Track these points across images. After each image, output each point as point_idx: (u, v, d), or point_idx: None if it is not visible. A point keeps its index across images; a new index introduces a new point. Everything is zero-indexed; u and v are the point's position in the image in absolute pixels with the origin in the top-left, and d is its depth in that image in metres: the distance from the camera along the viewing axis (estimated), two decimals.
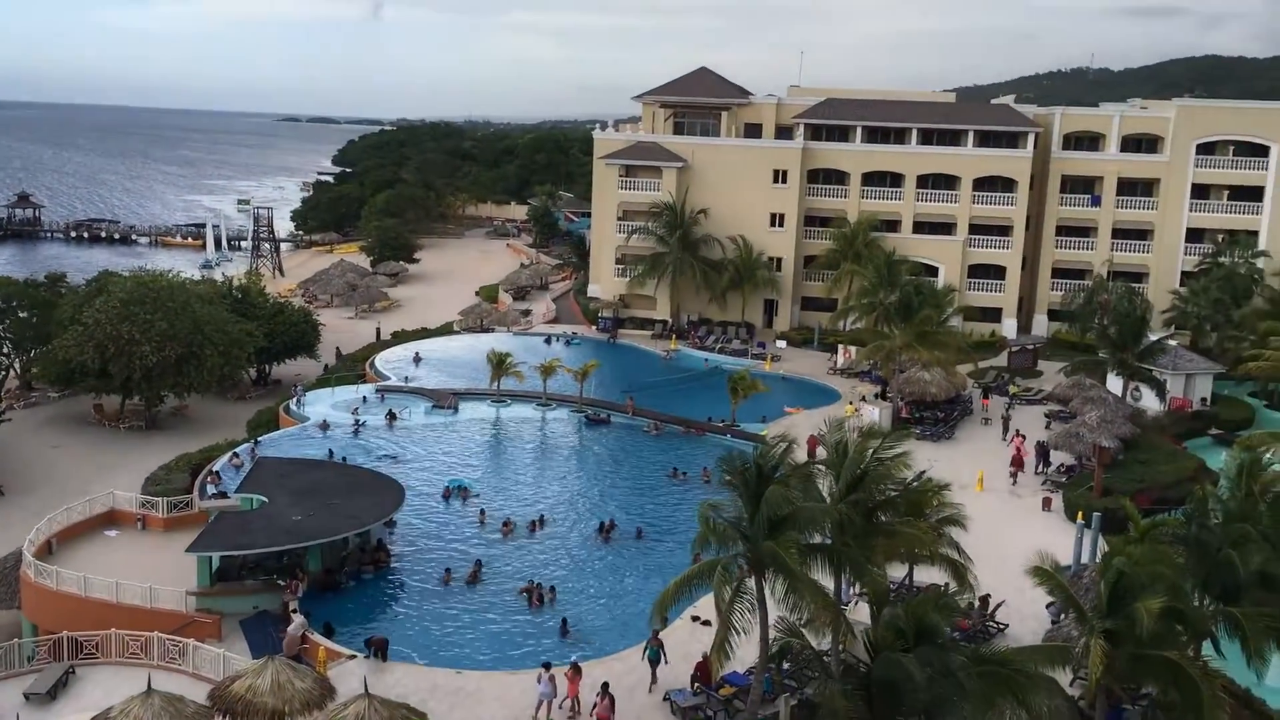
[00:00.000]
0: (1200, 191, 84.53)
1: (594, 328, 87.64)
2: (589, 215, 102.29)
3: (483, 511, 48.67)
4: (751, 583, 29.52)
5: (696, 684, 32.98)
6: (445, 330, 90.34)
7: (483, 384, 68.38)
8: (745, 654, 31.37)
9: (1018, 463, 53.47)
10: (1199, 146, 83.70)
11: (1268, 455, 40.15)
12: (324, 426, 60.01)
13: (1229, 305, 72.59)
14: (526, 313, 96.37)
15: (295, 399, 65.40)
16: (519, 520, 47.67)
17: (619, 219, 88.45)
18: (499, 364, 66.53)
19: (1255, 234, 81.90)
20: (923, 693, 20.27)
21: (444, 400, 66.39)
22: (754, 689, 30.97)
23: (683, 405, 66.57)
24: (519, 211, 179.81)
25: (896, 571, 37.02)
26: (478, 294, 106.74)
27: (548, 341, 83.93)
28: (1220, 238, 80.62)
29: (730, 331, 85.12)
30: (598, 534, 46.75)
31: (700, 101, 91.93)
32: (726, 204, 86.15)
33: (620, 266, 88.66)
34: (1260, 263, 77.89)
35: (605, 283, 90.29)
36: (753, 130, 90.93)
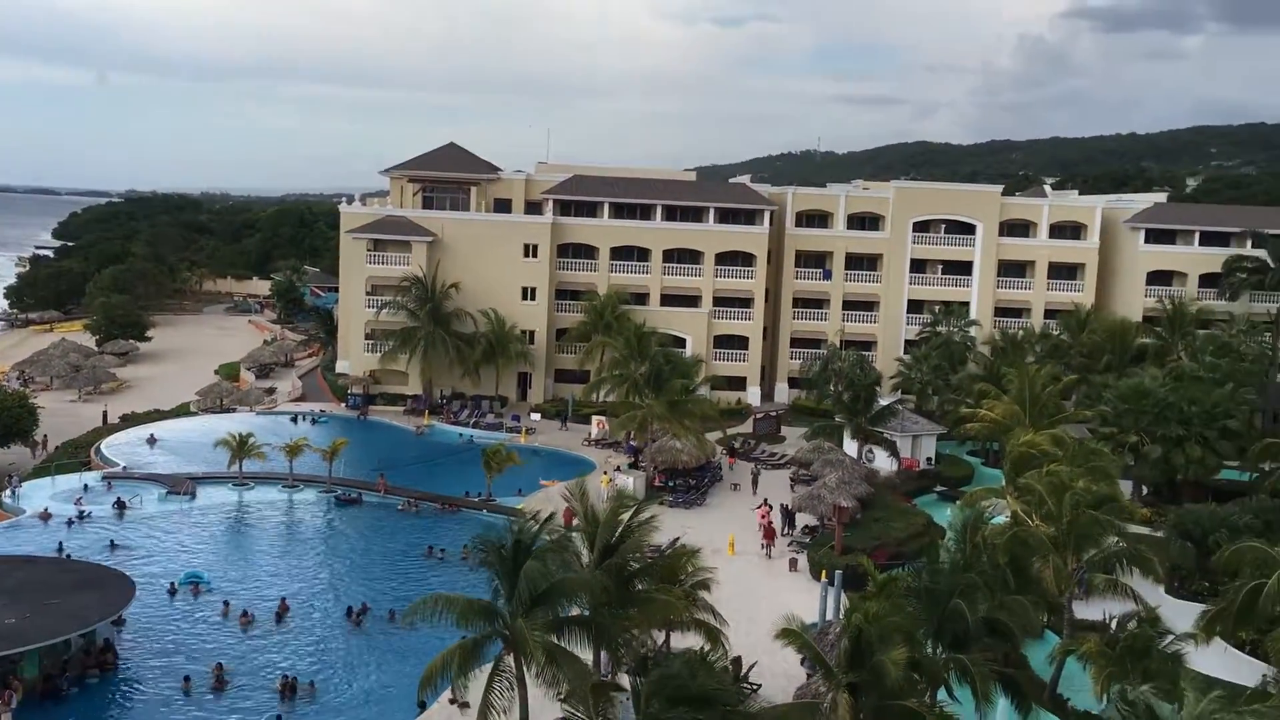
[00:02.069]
0: (918, 266, 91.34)
1: (343, 405, 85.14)
2: (336, 290, 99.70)
3: (226, 603, 45.89)
4: (511, 659, 29.17)
5: None
6: (181, 411, 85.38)
7: (223, 467, 64.89)
8: None
9: (769, 535, 54.30)
10: (915, 224, 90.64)
11: (987, 509, 43.38)
12: (45, 517, 55.28)
13: (947, 370, 78.42)
14: (270, 391, 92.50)
15: (10, 490, 59.99)
16: (259, 611, 45.14)
17: (368, 293, 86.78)
18: (240, 445, 63.39)
19: (966, 304, 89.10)
20: None
21: (179, 486, 62.53)
22: None
23: (438, 482, 65.42)
24: (261, 286, 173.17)
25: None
26: (217, 372, 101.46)
27: (294, 420, 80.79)
28: (937, 308, 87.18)
29: (484, 405, 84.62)
30: (347, 619, 44.96)
31: (449, 176, 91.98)
32: (478, 278, 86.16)
33: (370, 341, 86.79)
34: (972, 331, 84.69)
35: (355, 358, 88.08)
36: (502, 205, 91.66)
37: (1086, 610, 41.40)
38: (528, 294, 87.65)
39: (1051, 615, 41.69)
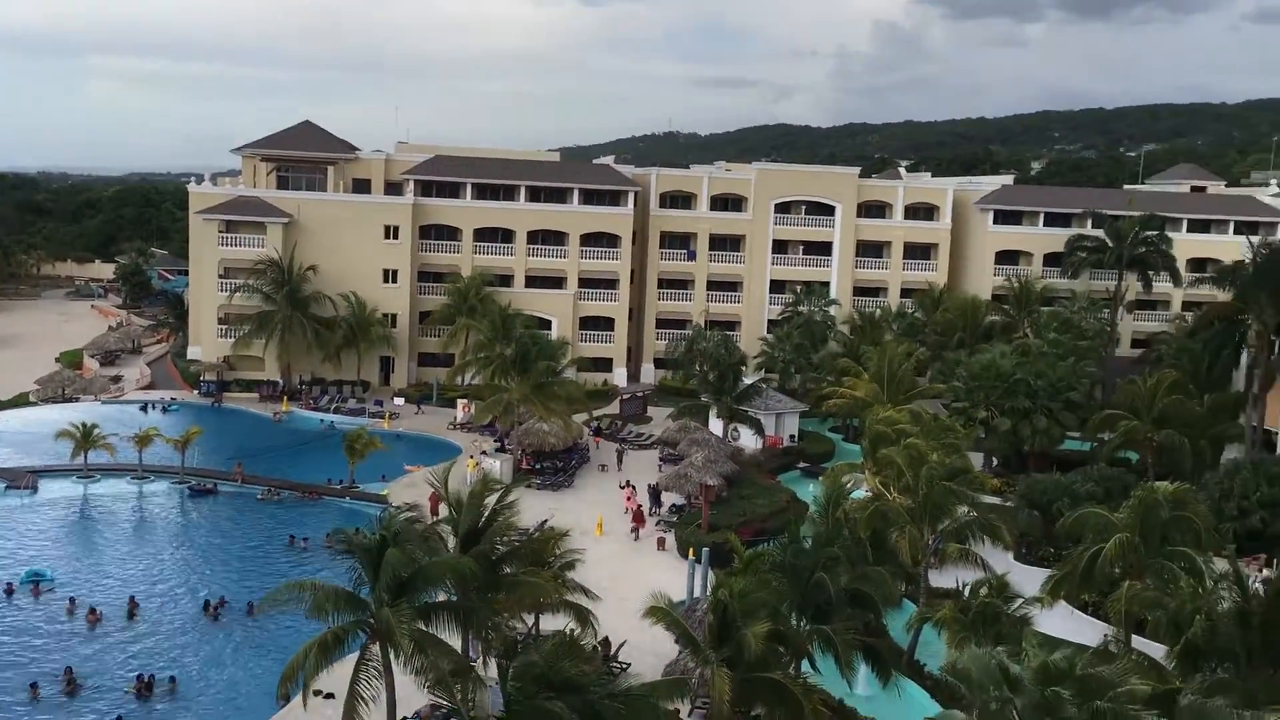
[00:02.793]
0: (780, 246, 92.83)
1: (196, 392, 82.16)
2: (186, 273, 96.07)
3: (72, 600, 43.86)
4: (377, 648, 28.65)
5: None
6: (20, 401, 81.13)
7: (66, 459, 61.88)
8: None
9: (638, 519, 54.20)
10: (777, 206, 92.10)
11: (848, 484, 44.47)
12: None
13: (809, 349, 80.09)
14: (117, 379, 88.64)
15: None
16: (108, 609, 43.27)
17: (220, 276, 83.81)
18: (85, 436, 60.57)
19: (827, 284, 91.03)
20: None
21: (19, 480, 59.44)
22: None
23: (299, 469, 63.78)
24: (105, 270, 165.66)
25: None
26: (58, 360, 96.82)
27: (143, 409, 77.55)
28: (799, 288, 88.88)
29: (346, 390, 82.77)
30: (204, 613, 43.51)
31: (305, 156, 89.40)
32: (337, 260, 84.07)
33: (224, 326, 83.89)
34: (832, 310, 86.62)
35: (207, 344, 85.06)
36: (361, 186, 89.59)
37: (941, 579, 42.91)
38: (389, 276, 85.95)
39: (909, 585, 43.09)
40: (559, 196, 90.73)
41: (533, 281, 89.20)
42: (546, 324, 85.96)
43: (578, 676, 21.70)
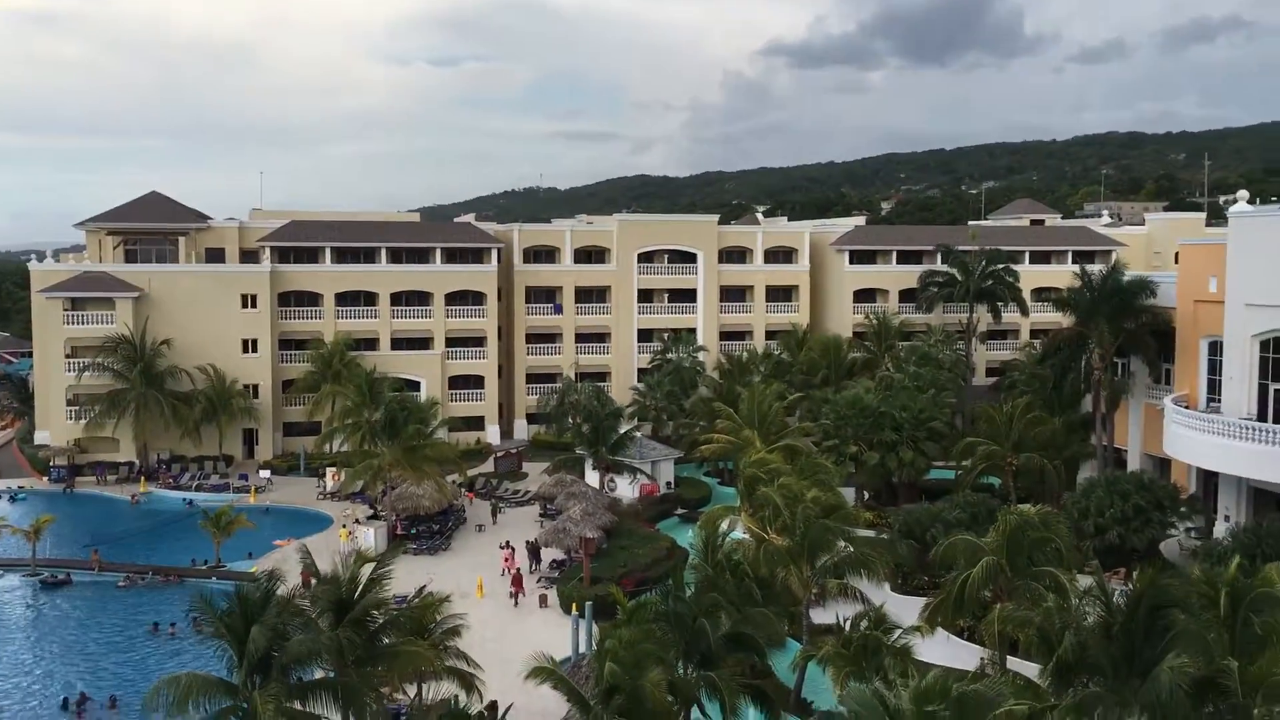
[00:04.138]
0: (645, 296, 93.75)
1: (45, 479, 78.18)
2: (30, 354, 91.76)
3: None
4: None
5: None
6: None
7: None
8: None
9: (518, 583, 52.90)
10: (640, 256, 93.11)
11: (724, 527, 44.79)
12: None
13: (680, 396, 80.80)
14: None
15: None
16: None
17: (68, 356, 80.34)
18: None
19: (693, 331, 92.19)
20: None
21: None
22: None
23: (161, 552, 61.12)
24: None
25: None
26: None
27: None
28: (666, 335, 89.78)
29: (208, 466, 79.92)
30: (64, 711, 41.13)
31: (153, 227, 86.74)
32: (193, 332, 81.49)
33: (73, 408, 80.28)
34: (700, 356, 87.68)
35: (56, 427, 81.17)
36: (215, 255, 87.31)
37: (823, 615, 43.42)
38: (249, 346, 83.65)
39: (792, 623, 43.45)
40: (421, 257, 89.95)
41: (398, 343, 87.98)
42: (415, 385, 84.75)
43: None
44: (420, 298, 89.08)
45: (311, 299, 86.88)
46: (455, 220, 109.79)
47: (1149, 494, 52.26)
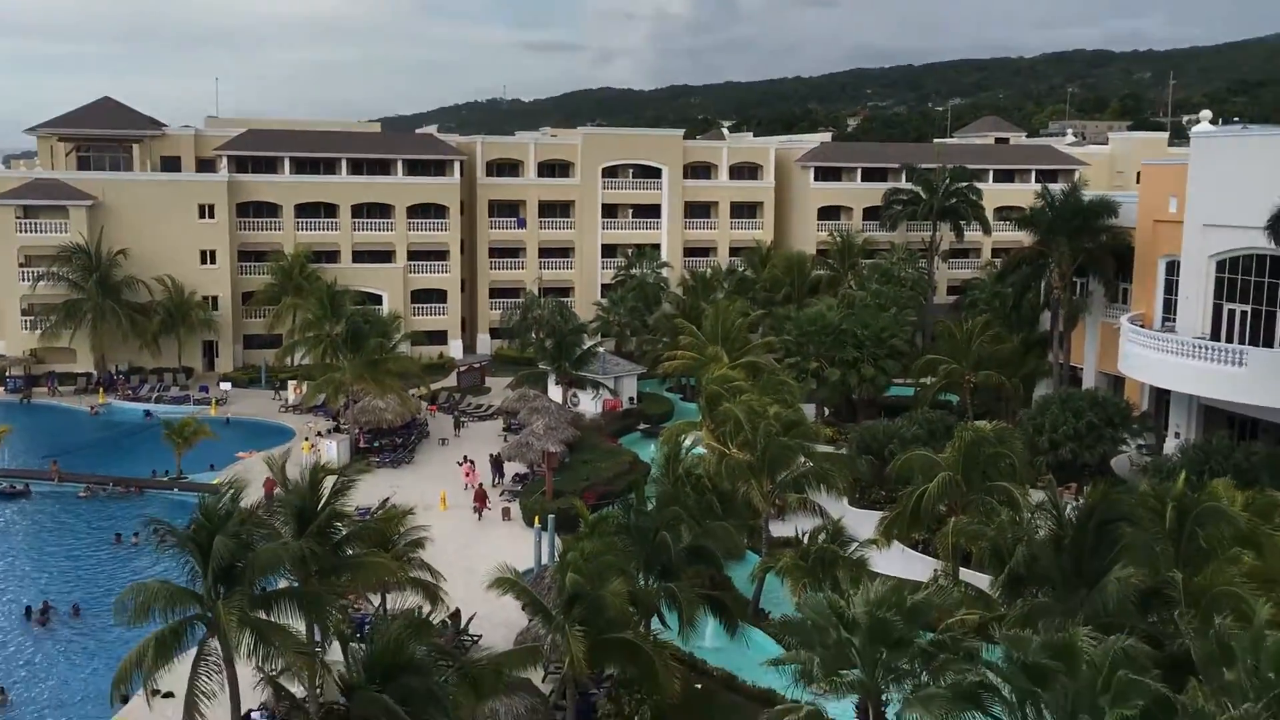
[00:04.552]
0: (609, 211, 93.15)
1: (2, 389, 77.33)
2: None
3: None
4: (216, 642, 27.76)
5: None
6: None
7: None
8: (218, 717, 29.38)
9: (480, 499, 53.05)
10: (604, 170, 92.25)
11: (686, 442, 45.27)
12: None
13: (643, 312, 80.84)
14: None
15: None
16: None
17: (21, 265, 78.92)
18: None
19: (657, 247, 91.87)
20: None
21: None
22: None
23: (122, 464, 60.84)
24: None
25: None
26: None
27: None
28: (630, 251, 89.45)
29: (168, 378, 79.29)
30: (27, 620, 41.30)
31: (106, 134, 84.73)
32: (149, 243, 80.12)
33: (28, 318, 79.10)
34: (664, 272, 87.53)
35: (12, 338, 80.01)
36: (171, 164, 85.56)
37: (782, 529, 44.23)
38: (207, 257, 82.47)
39: (751, 536, 44.23)
40: (382, 168, 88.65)
41: (360, 256, 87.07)
42: (376, 299, 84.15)
43: (424, 657, 21.52)
44: (381, 210, 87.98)
45: (270, 210, 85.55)
46: (417, 131, 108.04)
47: (1102, 411, 53.24)
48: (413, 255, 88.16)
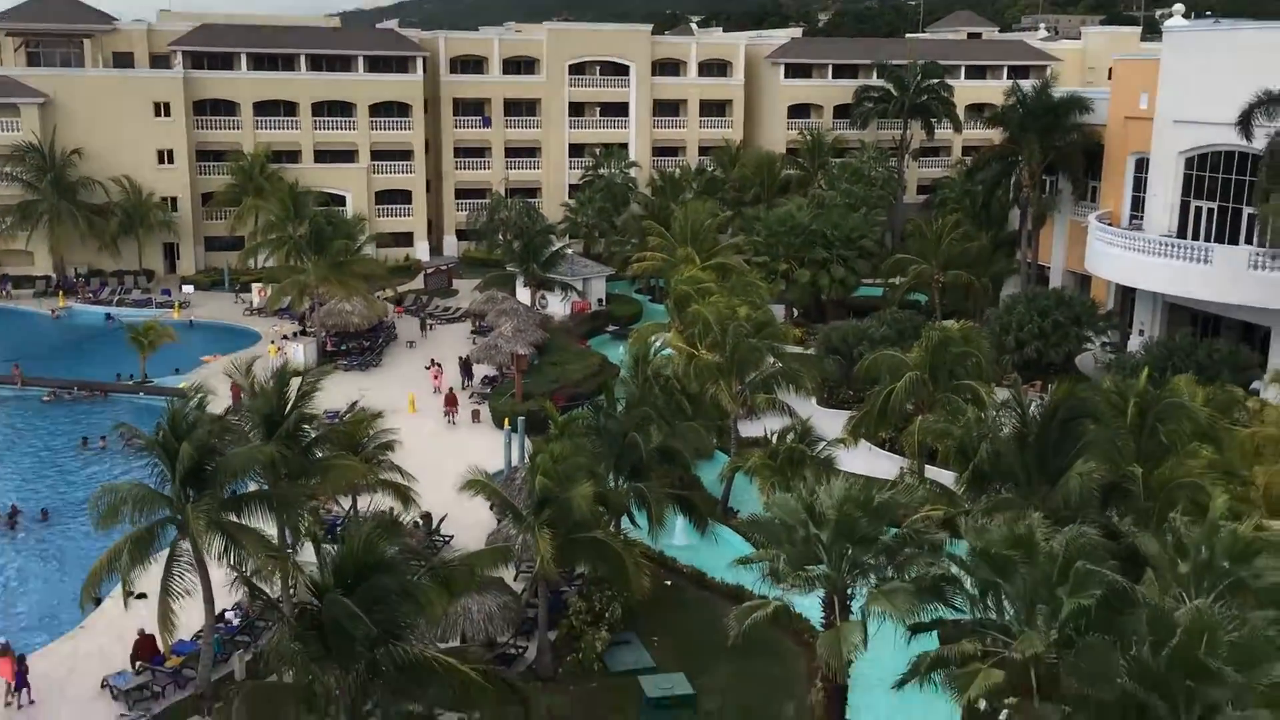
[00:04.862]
0: (576, 109, 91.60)
1: None
2: None
3: None
4: (187, 544, 27.86)
5: (138, 662, 30.52)
6: None
7: None
8: (190, 620, 29.66)
9: (451, 402, 52.74)
10: (571, 67, 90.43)
11: (655, 344, 45.29)
12: None
13: (611, 213, 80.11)
14: None
15: None
16: None
17: None
18: None
19: (625, 146, 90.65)
20: (373, 624, 20.42)
21: None
22: (204, 653, 29.47)
23: (85, 367, 60.21)
24: None
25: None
26: None
27: None
28: (597, 151, 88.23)
29: (128, 281, 78.14)
30: None
31: (56, 29, 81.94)
32: (104, 142, 78.12)
33: None
34: (632, 172, 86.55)
35: None
36: (123, 60, 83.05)
37: (751, 429, 44.57)
38: (164, 157, 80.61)
39: (721, 436, 44.59)
40: (343, 65, 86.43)
41: (322, 156, 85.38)
42: (340, 200, 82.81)
43: (395, 557, 21.64)
44: (343, 108, 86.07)
45: (228, 108, 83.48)
46: (378, 27, 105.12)
47: (1068, 310, 53.65)
48: (376, 155, 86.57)
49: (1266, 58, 46.03)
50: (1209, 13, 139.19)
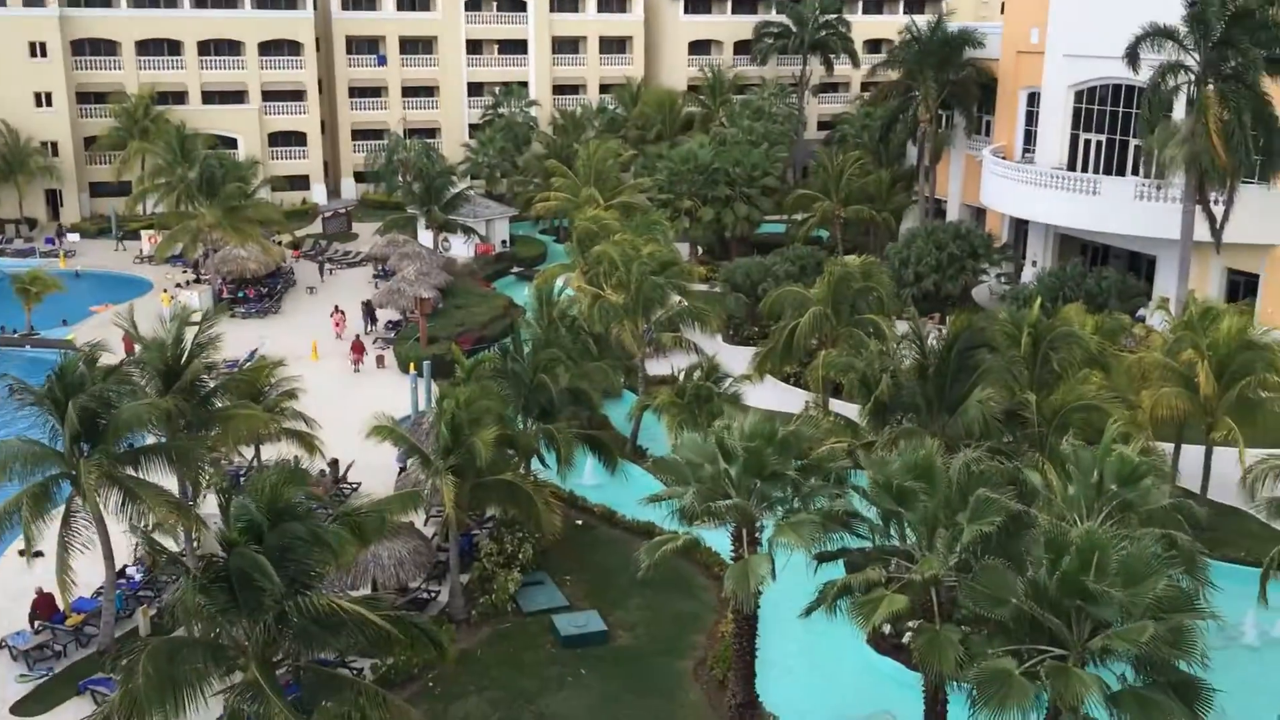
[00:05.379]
0: (474, 47, 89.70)
1: None
2: None
3: None
4: (83, 500, 27.11)
5: (37, 621, 29.76)
6: None
7: None
8: (91, 577, 29.02)
9: (358, 349, 51.39)
10: (467, 3, 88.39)
11: (560, 285, 45.10)
12: None
13: (513, 153, 79.08)
14: None
15: None
16: None
17: None
18: None
19: (525, 85, 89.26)
20: (282, 574, 20.18)
21: None
22: (105, 609, 28.87)
23: None
24: None
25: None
26: None
27: None
28: (497, 90, 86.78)
29: (10, 230, 74.90)
30: None
31: None
32: None
33: None
34: (533, 111, 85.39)
35: None
36: None
37: (658, 367, 44.82)
38: (42, 100, 77.03)
39: (629, 375, 44.77)
40: (229, 2, 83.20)
41: (210, 97, 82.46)
42: (231, 143, 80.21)
43: (302, 504, 21.35)
44: (231, 47, 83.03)
45: (109, 48, 79.86)
46: None
47: (965, 243, 54.80)
48: (268, 96, 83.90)
49: None
50: None
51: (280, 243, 67.54)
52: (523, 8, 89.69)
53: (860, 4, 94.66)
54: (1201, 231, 44.68)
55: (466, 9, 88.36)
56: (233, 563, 20.26)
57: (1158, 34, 42.62)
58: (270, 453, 35.96)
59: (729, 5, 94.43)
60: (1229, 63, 42.05)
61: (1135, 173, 52.51)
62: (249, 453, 36.83)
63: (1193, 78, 42.71)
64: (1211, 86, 42.26)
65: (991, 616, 20.27)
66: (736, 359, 45.21)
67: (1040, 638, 19.83)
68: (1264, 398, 33.57)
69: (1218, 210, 44.20)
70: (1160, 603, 19.10)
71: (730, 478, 24.74)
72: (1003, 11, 67.14)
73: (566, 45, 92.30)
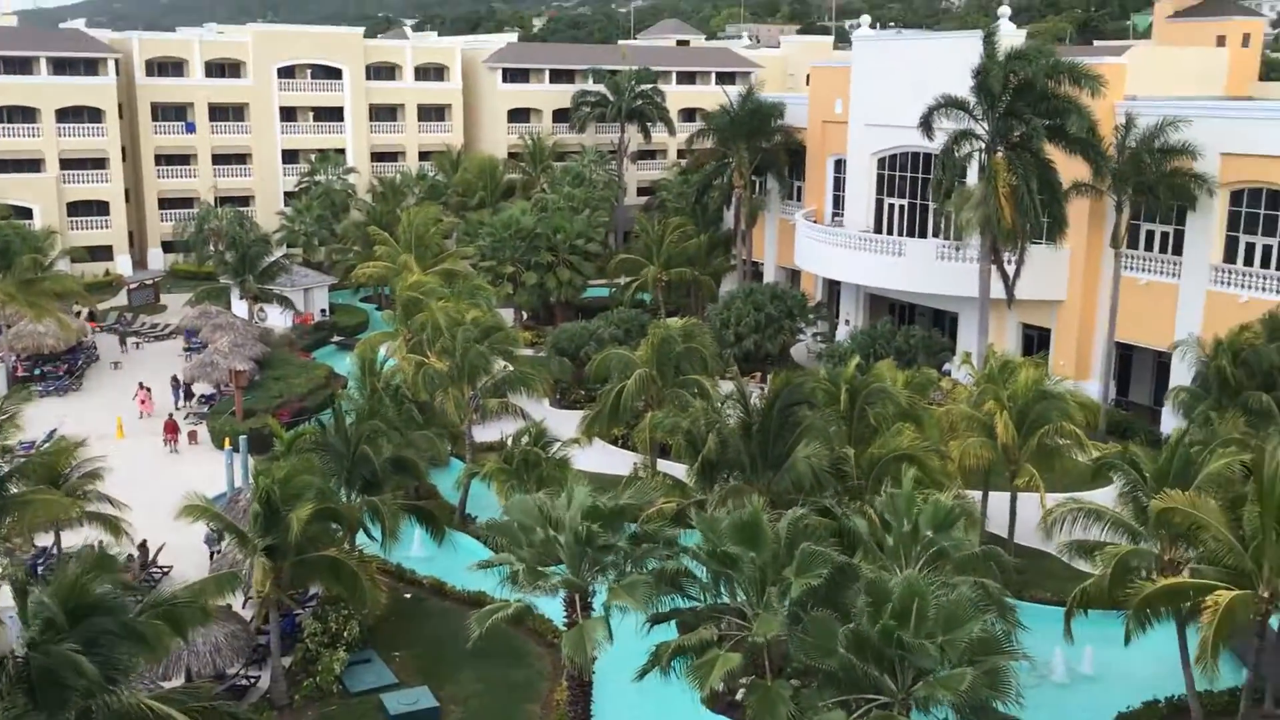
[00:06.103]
0: (288, 114, 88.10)
1: None
2: None
3: None
4: None
5: None
6: None
7: None
8: None
9: (171, 430, 48.80)
10: (280, 70, 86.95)
11: (382, 353, 44.34)
12: None
13: (331, 220, 77.68)
14: None
15: None
16: None
17: None
18: None
19: (343, 151, 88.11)
20: (89, 672, 18.88)
21: None
22: None
23: None
24: None
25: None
26: None
27: None
28: (313, 157, 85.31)
29: None
30: None
31: None
32: None
33: None
34: (351, 178, 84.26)
35: None
36: None
37: (485, 433, 44.41)
38: None
39: (456, 443, 44.17)
40: (23, 67, 79.40)
41: (4, 166, 78.21)
42: (26, 213, 76.08)
43: (110, 595, 20.09)
44: (25, 114, 79.07)
45: None
46: (62, 26, 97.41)
47: (781, 303, 56.67)
48: (66, 164, 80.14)
49: (944, 64, 50.07)
50: (893, 24, 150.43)
51: (79, 314, 64.19)
52: (338, 76, 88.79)
53: (674, 75, 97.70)
54: (998, 289, 47.41)
55: (280, 76, 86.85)
56: (35, 663, 18.85)
57: (949, 104, 45.40)
58: (74, 538, 33.81)
59: (546, 76, 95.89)
60: (1015, 131, 45.06)
61: (936, 235, 55.48)
62: (49, 539, 34.55)
63: (983, 145, 45.56)
64: (1000, 153, 45.14)
65: (821, 668, 20.69)
66: (565, 423, 45.24)
67: (868, 687, 20.35)
68: (1060, 444, 35.61)
69: (1010, 269, 47.00)
70: (975, 646, 19.89)
71: (560, 544, 24.63)
72: (808, 83, 70.32)
73: (384, 113, 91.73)
